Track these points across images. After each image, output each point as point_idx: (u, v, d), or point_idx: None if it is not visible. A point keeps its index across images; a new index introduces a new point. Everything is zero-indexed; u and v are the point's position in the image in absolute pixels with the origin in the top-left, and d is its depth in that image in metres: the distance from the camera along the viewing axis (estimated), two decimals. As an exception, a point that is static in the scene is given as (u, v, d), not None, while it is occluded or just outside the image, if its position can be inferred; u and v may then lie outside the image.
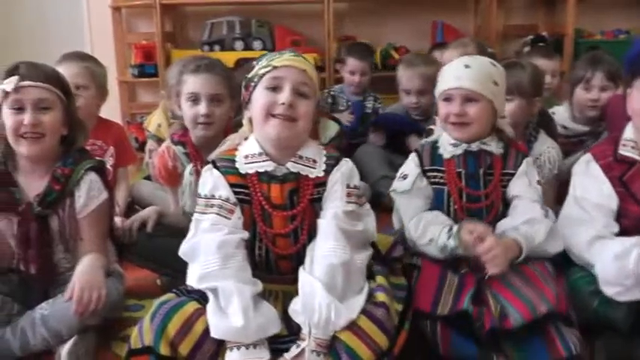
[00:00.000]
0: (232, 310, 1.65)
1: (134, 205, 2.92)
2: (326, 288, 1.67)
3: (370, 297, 1.73)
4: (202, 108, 2.39)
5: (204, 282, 1.72)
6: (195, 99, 2.41)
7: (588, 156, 2.19)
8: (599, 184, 2.12)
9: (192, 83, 2.42)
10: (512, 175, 2.15)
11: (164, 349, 1.62)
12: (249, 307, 1.66)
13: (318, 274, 1.70)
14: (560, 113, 3.02)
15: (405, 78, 3.50)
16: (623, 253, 1.91)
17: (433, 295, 1.90)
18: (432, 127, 2.78)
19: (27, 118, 2.00)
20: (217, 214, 1.80)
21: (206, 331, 1.65)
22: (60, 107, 2.08)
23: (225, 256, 1.73)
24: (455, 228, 2.00)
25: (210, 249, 1.74)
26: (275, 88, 1.82)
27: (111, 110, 3.71)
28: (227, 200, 1.81)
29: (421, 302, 1.87)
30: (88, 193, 2.11)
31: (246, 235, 1.80)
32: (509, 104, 2.53)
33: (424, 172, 2.18)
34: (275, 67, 1.83)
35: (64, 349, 1.93)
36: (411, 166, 2.22)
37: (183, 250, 1.81)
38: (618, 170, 2.10)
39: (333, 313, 1.63)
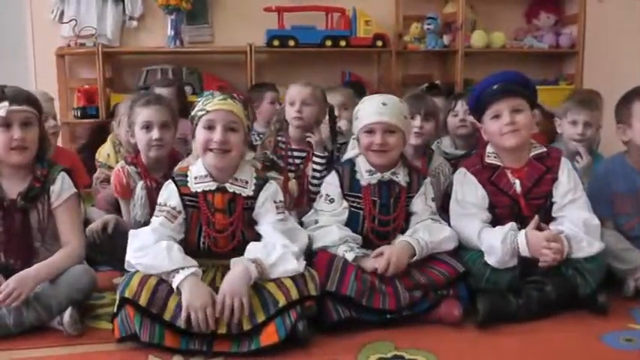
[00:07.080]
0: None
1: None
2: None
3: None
4: (155, 133, 2.76)
5: (138, 252, 2.22)
6: (148, 126, 2.77)
7: (462, 169, 2.67)
8: (474, 188, 2.61)
9: (145, 113, 2.79)
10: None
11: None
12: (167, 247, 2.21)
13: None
14: (444, 142, 3.56)
15: None
16: (503, 239, 2.41)
17: (324, 275, 2.31)
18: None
19: (16, 134, 2.31)
20: (165, 217, 2.30)
21: (158, 282, 2.16)
22: (37, 125, 2.39)
23: (158, 237, 2.25)
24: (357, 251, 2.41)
25: (148, 232, 2.28)
26: (210, 127, 2.29)
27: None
28: (174, 208, 2.31)
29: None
30: (61, 186, 2.41)
31: (179, 237, 2.30)
32: (428, 125, 3.02)
33: (345, 195, 2.58)
34: (208, 112, 2.29)
35: (66, 315, 2.22)
36: (334, 188, 2.59)
37: (131, 232, 2.32)
38: (486, 174, 2.61)
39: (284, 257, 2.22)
